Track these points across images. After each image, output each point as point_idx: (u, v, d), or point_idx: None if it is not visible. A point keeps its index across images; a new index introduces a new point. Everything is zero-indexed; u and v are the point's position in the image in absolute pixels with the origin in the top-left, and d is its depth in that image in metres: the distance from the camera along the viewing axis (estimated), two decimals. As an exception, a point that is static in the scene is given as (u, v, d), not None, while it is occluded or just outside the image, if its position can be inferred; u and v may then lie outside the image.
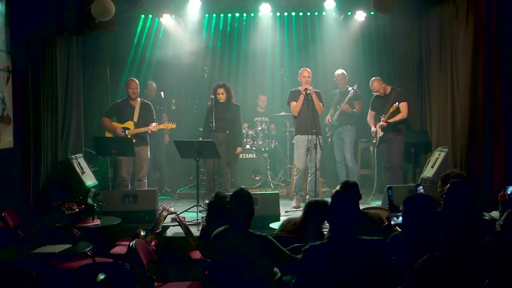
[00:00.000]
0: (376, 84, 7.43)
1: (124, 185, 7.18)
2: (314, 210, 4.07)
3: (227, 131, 7.35)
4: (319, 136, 6.94)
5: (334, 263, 3.02)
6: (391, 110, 7.17)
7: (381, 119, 7.35)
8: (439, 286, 2.27)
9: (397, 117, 7.25)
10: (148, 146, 7.48)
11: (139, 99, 7.41)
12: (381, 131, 7.36)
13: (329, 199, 3.42)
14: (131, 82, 7.38)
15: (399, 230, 3.73)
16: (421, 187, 4.98)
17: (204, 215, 6.21)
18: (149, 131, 7.31)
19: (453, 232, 3.50)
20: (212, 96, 7.32)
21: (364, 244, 3.07)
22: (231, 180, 8.22)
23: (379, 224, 4.15)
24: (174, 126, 7.39)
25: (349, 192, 4.08)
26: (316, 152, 6.92)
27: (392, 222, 3.91)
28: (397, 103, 7.12)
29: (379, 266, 3.02)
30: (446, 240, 3.34)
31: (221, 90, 7.33)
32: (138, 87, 7.39)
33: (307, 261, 3.10)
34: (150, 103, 7.53)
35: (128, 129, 7.26)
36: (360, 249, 3.05)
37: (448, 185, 3.81)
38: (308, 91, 7.02)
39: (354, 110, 8.05)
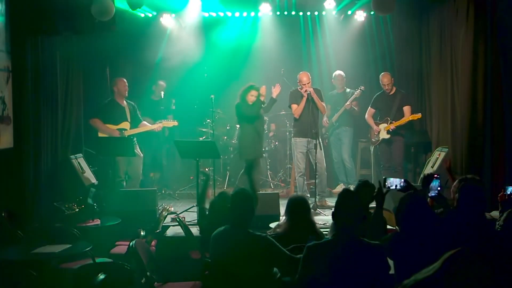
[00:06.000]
0: (387, 79, 7.43)
1: (121, 185, 7.18)
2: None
3: None
4: (319, 138, 6.92)
5: (335, 262, 3.02)
6: (407, 119, 7.21)
7: (389, 122, 7.32)
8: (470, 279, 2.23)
9: (403, 120, 7.28)
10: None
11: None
12: (387, 133, 7.37)
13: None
14: (124, 81, 7.34)
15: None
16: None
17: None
18: (156, 130, 7.36)
19: (465, 231, 3.52)
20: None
21: (364, 247, 3.07)
22: (231, 180, 8.22)
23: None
24: (176, 123, 7.46)
25: (362, 192, 4.02)
26: (316, 153, 6.91)
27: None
28: (419, 114, 7.24)
29: (375, 270, 3.03)
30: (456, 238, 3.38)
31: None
32: None
33: (310, 257, 3.11)
34: (133, 103, 7.50)
35: (125, 129, 7.19)
36: (360, 251, 3.05)
37: (460, 185, 3.82)
38: (309, 92, 6.98)
39: (355, 109, 8.04)
